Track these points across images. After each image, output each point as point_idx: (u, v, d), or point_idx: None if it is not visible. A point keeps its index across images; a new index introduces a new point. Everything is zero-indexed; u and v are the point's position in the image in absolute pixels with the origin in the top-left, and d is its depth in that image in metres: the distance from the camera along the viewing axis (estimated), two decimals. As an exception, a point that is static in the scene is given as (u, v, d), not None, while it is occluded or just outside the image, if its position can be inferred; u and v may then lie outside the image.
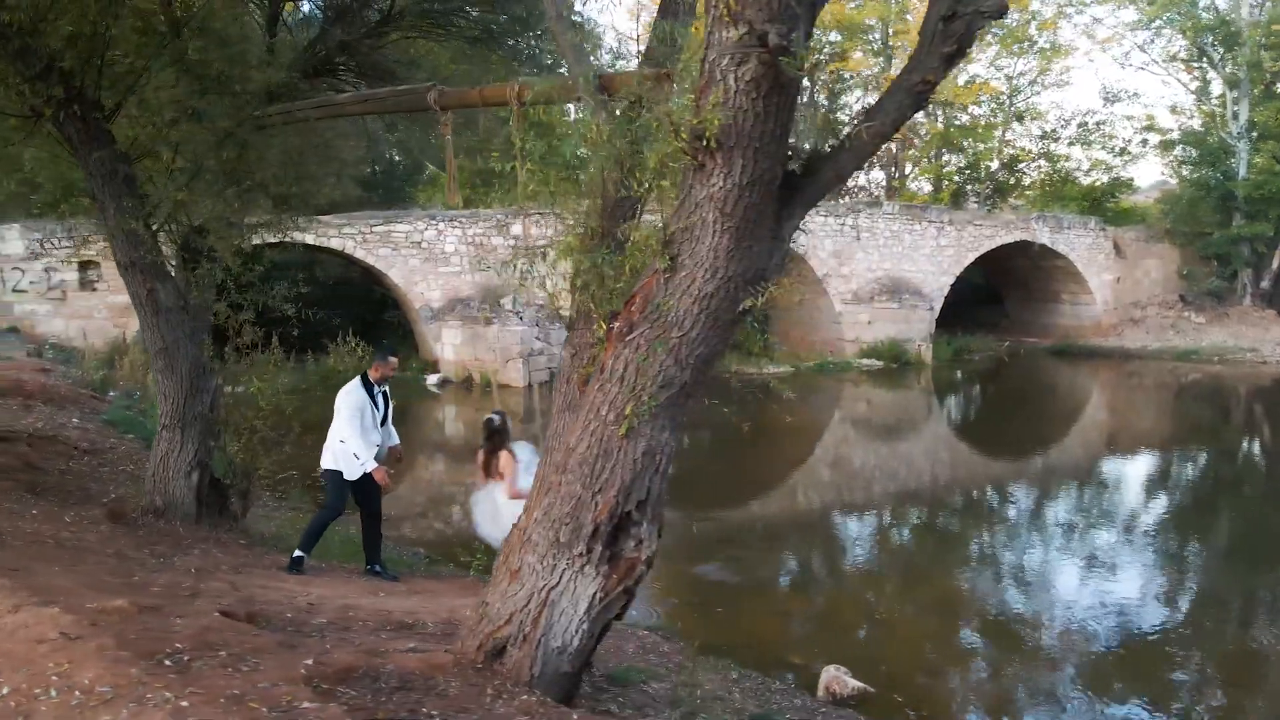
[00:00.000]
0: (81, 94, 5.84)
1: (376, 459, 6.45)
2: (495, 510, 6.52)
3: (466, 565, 8.68)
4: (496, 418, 7.07)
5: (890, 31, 34.17)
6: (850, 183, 40.76)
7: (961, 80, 33.16)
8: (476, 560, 6.73)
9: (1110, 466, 16.27)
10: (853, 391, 23.78)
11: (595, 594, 3.95)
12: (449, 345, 21.65)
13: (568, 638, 3.98)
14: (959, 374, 26.36)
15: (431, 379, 21.67)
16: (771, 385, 23.37)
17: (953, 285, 28.08)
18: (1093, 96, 71.58)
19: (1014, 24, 31.82)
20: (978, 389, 26.06)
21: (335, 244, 20.98)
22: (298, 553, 6.41)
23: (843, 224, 25.54)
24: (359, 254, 21.26)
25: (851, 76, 36.88)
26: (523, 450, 6.79)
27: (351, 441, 6.32)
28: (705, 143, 3.46)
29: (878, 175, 40.32)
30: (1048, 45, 33.14)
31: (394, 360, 6.72)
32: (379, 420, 6.57)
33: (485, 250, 22.17)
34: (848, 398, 23.37)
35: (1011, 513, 13.18)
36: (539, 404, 20.09)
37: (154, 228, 6.41)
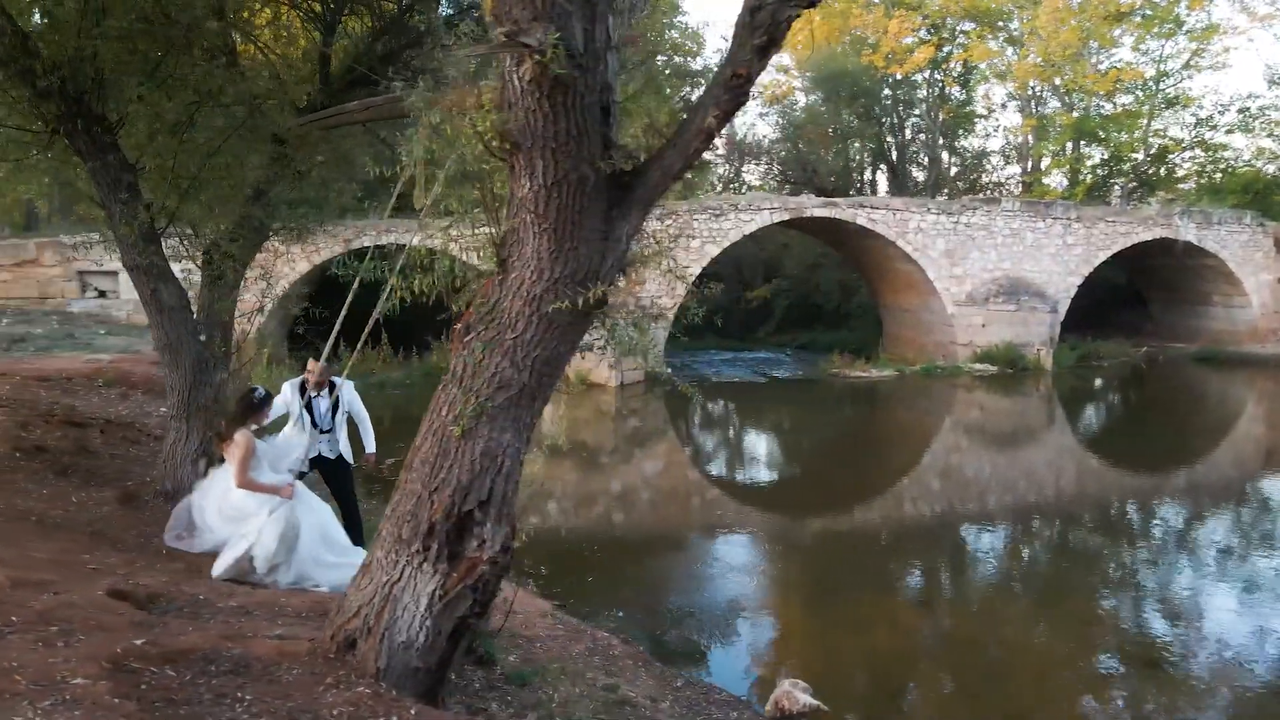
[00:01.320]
0: (86, 109, 6.37)
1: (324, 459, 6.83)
2: (222, 494, 6.09)
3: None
4: (259, 391, 6.50)
5: (1023, 18, 32.33)
6: (984, 178, 38.95)
7: (1102, 66, 31.01)
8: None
9: (1270, 485, 14.64)
10: (965, 397, 22.69)
11: (435, 591, 3.99)
12: (546, 344, 22.10)
13: (412, 634, 4.04)
14: (1085, 381, 24.69)
15: (528, 377, 22.20)
16: (878, 389, 22.87)
17: (1086, 286, 26.34)
18: (1256, 79, 64.78)
19: (1160, 3, 29.51)
20: (1108, 397, 24.31)
21: (439, 243, 21.78)
22: None
23: (956, 222, 24.42)
24: (462, 256, 21.99)
25: (984, 66, 35.23)
26: (272, 444, 6.36)
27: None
28: (505, 145, 3.45)
29: (1013, 170, 38.38)
30: (1199, 25, 30.50)
31: (310, 365, 6.90)
32: (305, 427, 6.74)
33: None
34: (960, 404, 22.32)
35: (1153, 532, 12.01)
36: (631, 404, 20.33)
37: (159, 232, 6.90)
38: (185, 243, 7.66)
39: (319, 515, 6.32)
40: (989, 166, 39.43)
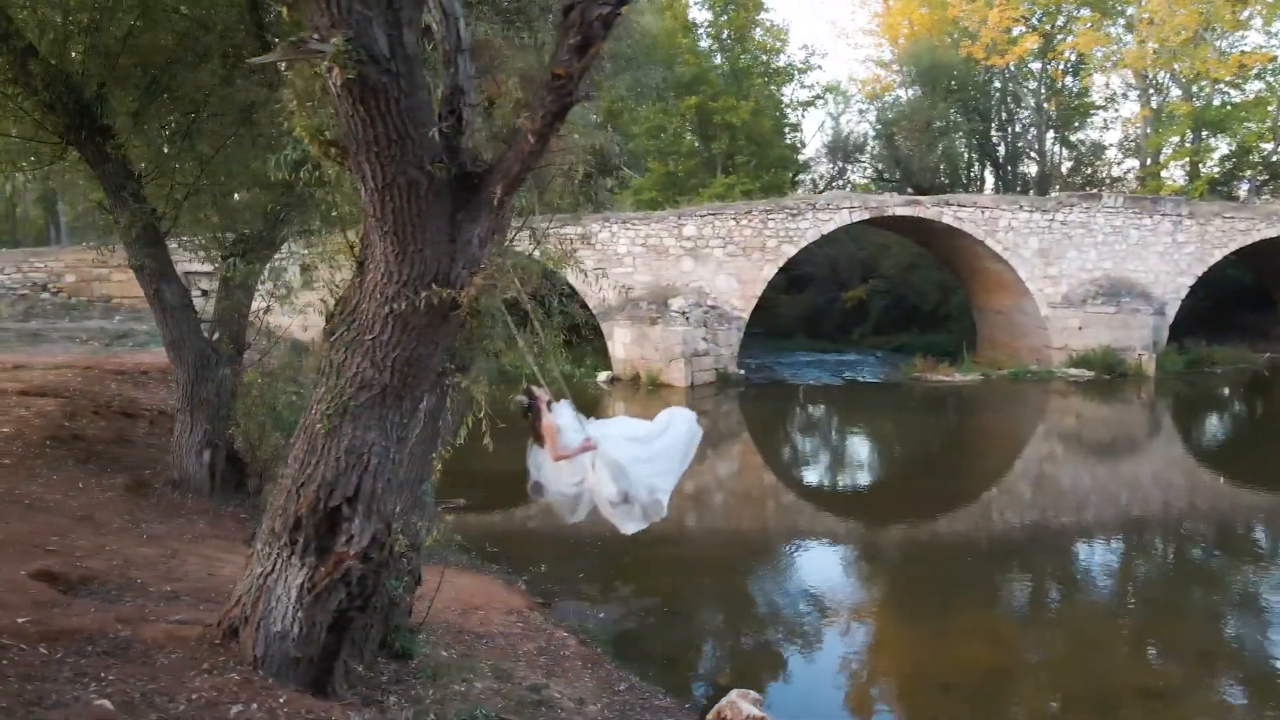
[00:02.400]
0: (90, 120, 6.84)
1: None
2: (554, 473, 6.78)
3: (492, 558, 9.14)
4: (523, 399, 7.23)
5: (1139, 2, 30.41)
6: (1101, 173, 36.90)
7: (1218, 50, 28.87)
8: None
9: None
10: (1058, 403, 21.54)
11: (303, 584, 4.12)
12: (619, 344, 22.27)
13: (286, 624, 4.18)
14: (1193, 388, 23.02)
15: (602, 376, 22.43)
16: (961, 394, 22.00)
17: (1203, 287, 24.62)
18: None
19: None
20: (1221, 406, 22.60)
21: (518, 247, 22.24)
22: None
23: (1051, 220, 23.21)
24: (537, 254, 22.36)
25: (1099, 54, 33.28)
26: (563, 412, 6.99)
27: None
28: (334, 149, 3.52)
29: (1133, 164, 36.16)
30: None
31: None
32: None
33: (658, 252, 22.61)
34: (1053, 410, 21.20)
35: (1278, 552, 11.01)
36: (700, 405, 20.24)
37: (163, 234, 7.33)
38: (205, 248, 8.11)
39: (617, 431, 6.93)
40: (1106, 161, 37.30)
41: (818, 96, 32.20)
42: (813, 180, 42.59)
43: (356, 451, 4.05)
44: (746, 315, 22.91)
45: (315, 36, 3.21)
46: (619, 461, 6.71)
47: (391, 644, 5.17)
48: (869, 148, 39.14)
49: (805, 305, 37.90)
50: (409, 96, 3.40)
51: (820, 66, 48.83)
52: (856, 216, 22.93)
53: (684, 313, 21.58)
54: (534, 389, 7.38)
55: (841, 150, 41.51)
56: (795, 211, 22.54)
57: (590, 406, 21.09)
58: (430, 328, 3.95)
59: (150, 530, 6.64)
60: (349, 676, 4.69)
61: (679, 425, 7.14)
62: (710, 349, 21.96)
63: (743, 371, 22.91)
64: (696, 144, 27.77)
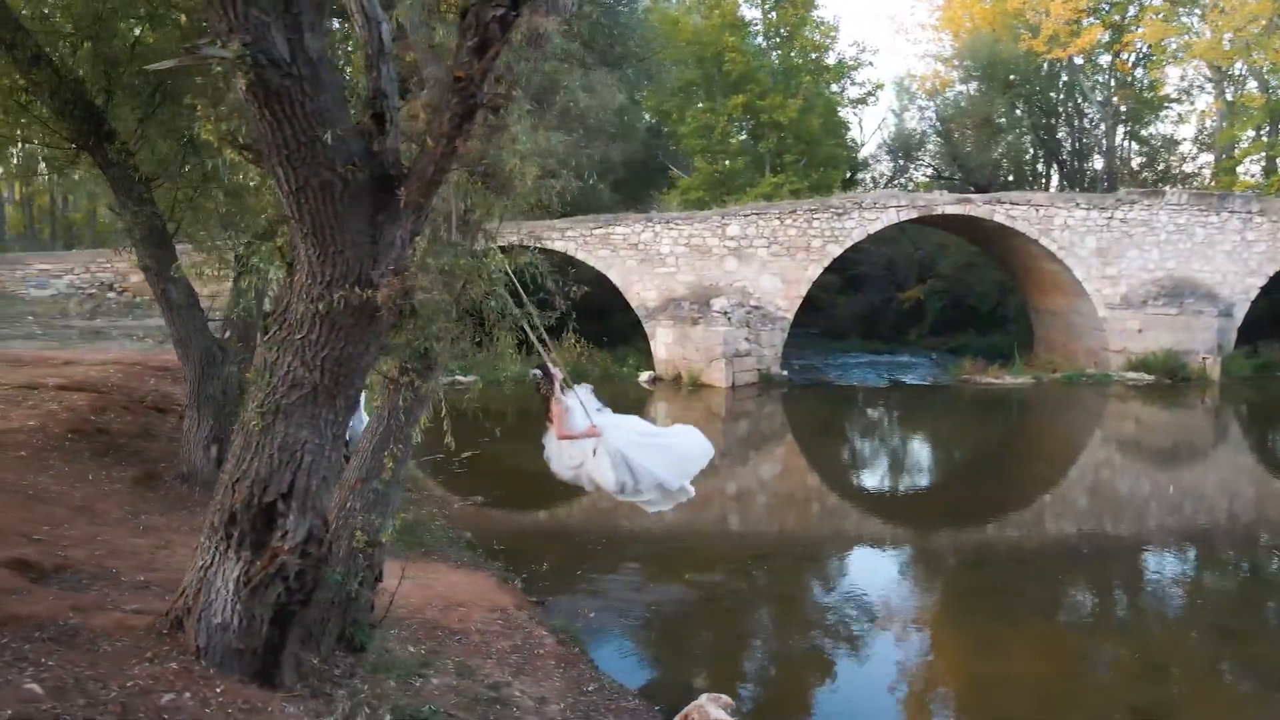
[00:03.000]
0: (99, 126, 7.12)
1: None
2: (558, 451, 6.96)
3: (497, 555, 9.22)
4: (537, 372, 7.20)
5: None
6: (1174, 169, 35.53)
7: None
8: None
9: None
10: (1115, 408, 20.82)
11: (239, 577, 4.21)
12: (661, 344, 22.26)
13: (226, 616, 4.28)
14: (1262, 393, 21.96)
15: (644, 376, 22.44)
16: (1011, 397, 21.40)
17: (1278, 288, 23.51)
18: None
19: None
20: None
21: (559, 246, 22.42)
22: None
23: (1109, 218, 22.41)
24: (580, 255, 22.55)
25: (1173, 45, 32.02)
26: (577, 395, 7.04)
27: None
28: (247, 152, 3.60)
29: (1208, 159, 34.72)
30: None
31: None
32: None
33: (701, 252, 22.52)
34: (1109, 415, 20.50)
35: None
36: (742, 406, 20.11)
37: (171, 236, 7.58)
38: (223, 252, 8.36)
39: (628, 425, 7.19)
40: (1179, 156, 35.86)
41: (869, 94, 31.62)
42: (872, 179, 41.95)
43: (290, 449, 4.13)
44: (791, 315, 22.66)
45: (219, 42, 3.28)
46: (622, 451, 6.96)
47: (350, 638, 5.27)
48: (929, 145, 38.36)
49: (861, 305, 37.31)
50: (314, 99, 3.45)
51: (871, 63, 48.05)
52: (904, 216, 22.50)
53: (725, 313, 21.46)
54: (550, 367, 7.53)
55: (903, 148, 40.80)
56: (841, 211, 22.21)
57: (632, 407, 21.16)
58: (358, 328, 4.00)
59: (149, 522, 6.87)
60: (300, 669, 4.79)
61: (691, 436, 7.44)
62: (752, 349, 21.80)
63: (786, 372, 22.68)
64: (744, 143, 27.55)
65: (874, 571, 9.85)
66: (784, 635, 8.03)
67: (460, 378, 21.62)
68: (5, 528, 5.61)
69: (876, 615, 8.25)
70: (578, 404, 7.18)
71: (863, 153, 41.99)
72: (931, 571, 9.98)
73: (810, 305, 37.02)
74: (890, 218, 22.37)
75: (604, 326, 26.06)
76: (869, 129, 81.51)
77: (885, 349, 30.76)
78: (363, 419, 7.71)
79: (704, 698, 6.00)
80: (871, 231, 22.45)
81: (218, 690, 4.15)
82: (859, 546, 10.95)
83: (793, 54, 27.27)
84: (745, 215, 22.43)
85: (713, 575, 9.25)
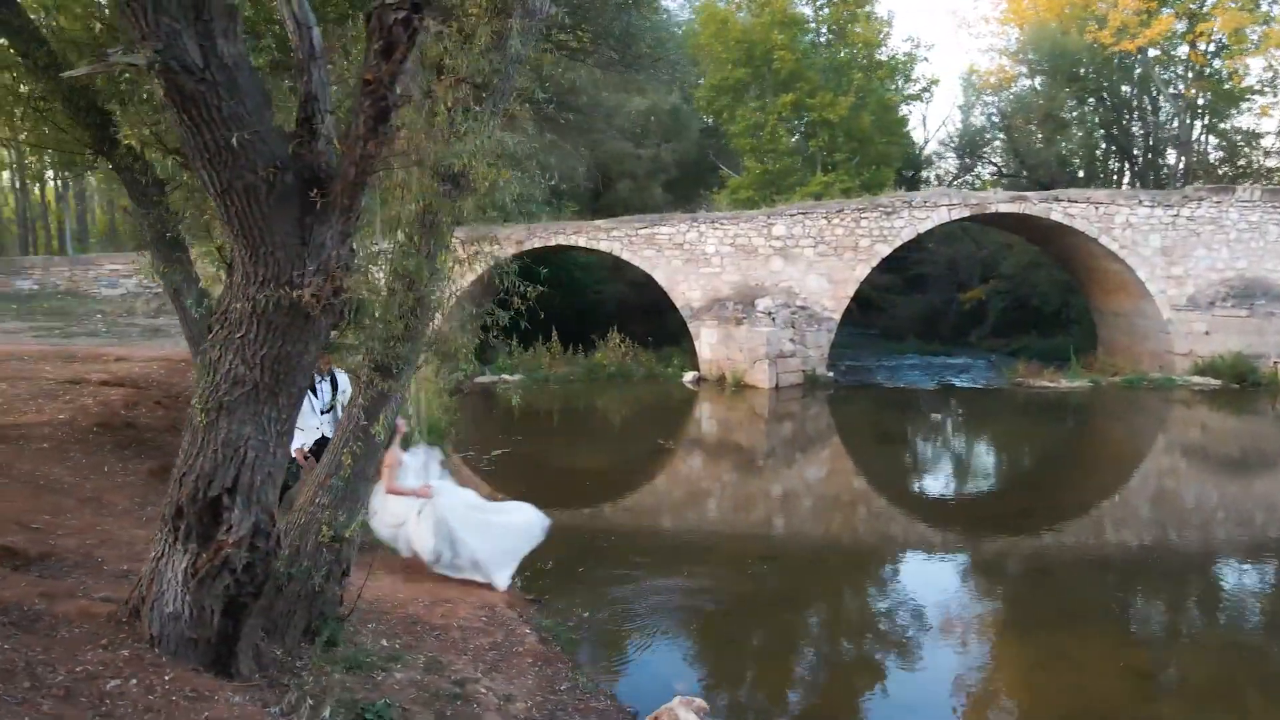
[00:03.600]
0: (114, 132, 7.40)
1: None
2: (382, 505, 7.30)
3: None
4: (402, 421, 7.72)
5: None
6: (1256, 164, 33.96)
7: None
8: None
9: None
10: (1179, 414, 19.98)
11: (187, 569, 4.34)
12: (706, 344, 22.18)
13: (177, 606, 4.41)
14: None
15: (688, 376, 22.39)
16: (1066, 401, 20.71)
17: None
18: None
19: None
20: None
21: (604, 246, 22.55)
22: None
23: (1175, 216, 21.53)
24: (625, 255, 22.61)
25: (1256, 35, 30.58)
26: (421, 454, 7.37)
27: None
28: (174, 155, 3.70)
29: (1292, 153, 33.04)
30: None
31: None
32: (316, 408, 7.40)
33: (746, 252, 22.37)
34: (1173, 421, 19.69)
35: None
36: (786, 407, 19.90)
37: (183, 239, 7.83)
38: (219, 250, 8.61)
39: (460, 497, 7.59)
40: (1262, 150, 34.23)
41: (924, 90, 30.93)
42: (936, 176, 41.09)
43: (232, 445, 4.23)
44: (838, 316, 22.34)
45: (103, 52, 3.39)
46: (447, 520, 7.33)
47: (317, 631, 5.38)
48: (993, 141, 37.38)
49: (921, 306, 36.61)
50: (230, 104, 3.53)
51: (926, 59, 46.92)
52: (956, 214, 21.97)
53: (769, 313, 21.26)
54: (399, 420, 7.57)
55: (968, 145, 39.88)
56: (890, 210, 21.81)
57: (677, 407, 20.98)
58: (294, 327, 4.08)
59: (154, 514, 7.11)
60: (261, 659, 4.92)
61: (526, 513, 7.79)
62: (797, 350, 21.55)
63: (832, 374, 22.36)
64: (794, 141, 27.25)
65: (917, 577, 9.62)
66: (818, 643, 7.86)
67: (505, 376, 21.96)
68: (4, 516, 5.87)
69: (925, 622, 8.03)
70: (418, 463, 7.56)
71: (926, 150, 41.21)
72: (988, 579, 9.63)
73: (869, 306, 36.49)
74: (941, 216, 21.87)
75: (653, 327, 26.14)
76: (932, 126, 79.79)
77: (942, 350, 30.10)
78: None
79: (676, 700, 5.94)
80: (921, 230, 21.99)
81: (166, 678, 4.27)
82: (907, 551, 10.66)
83: (843, 51, 26.85)
84: (791, 215, 22.19)
85: (717, 577, 9.17)
